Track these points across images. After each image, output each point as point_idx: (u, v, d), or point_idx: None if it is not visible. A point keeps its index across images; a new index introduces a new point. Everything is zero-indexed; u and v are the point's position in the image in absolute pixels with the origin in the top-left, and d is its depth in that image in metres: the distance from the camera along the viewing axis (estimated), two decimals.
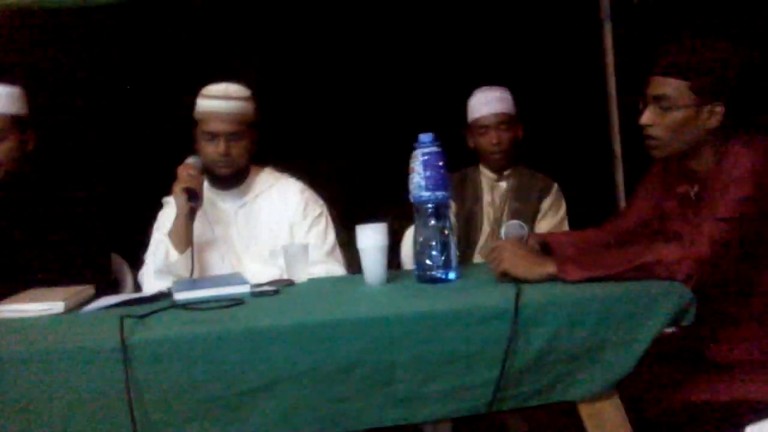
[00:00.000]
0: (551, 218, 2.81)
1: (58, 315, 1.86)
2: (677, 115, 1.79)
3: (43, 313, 1.86)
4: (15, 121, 2.33)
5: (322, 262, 2.39)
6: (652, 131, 1.84)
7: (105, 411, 1.46)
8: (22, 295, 1.98)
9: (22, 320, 1.83)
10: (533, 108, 3.08)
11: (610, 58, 3.56)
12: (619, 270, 1.67)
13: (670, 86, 1.79)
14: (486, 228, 2.83)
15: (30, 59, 3.56)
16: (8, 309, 1.88)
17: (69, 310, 1.89)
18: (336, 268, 2.42)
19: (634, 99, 1.91)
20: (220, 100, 2.35)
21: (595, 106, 3.64)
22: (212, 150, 2.35)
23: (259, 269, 2.36)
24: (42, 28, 3.60)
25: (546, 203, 2.83)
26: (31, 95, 2.44)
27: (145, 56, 3.74)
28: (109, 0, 3.27)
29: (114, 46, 3.71)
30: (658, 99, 1.81)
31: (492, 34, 3.84)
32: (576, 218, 2.84)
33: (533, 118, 2.99)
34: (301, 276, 2.14)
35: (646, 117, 1.84)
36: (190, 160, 2.34)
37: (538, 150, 3.10)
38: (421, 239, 1.92)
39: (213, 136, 2.34)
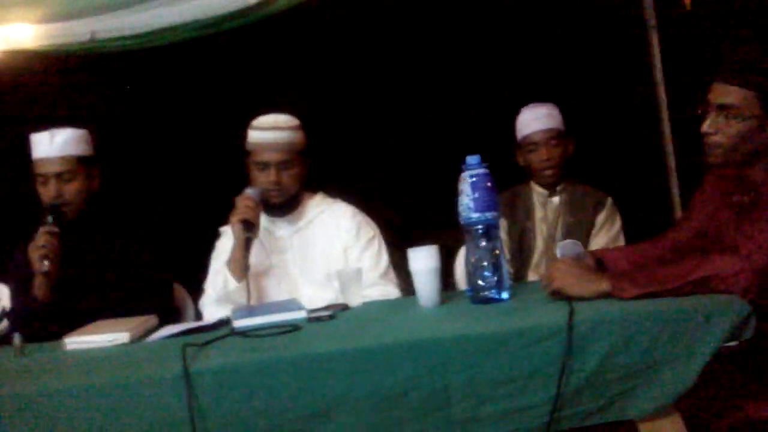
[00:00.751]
0: (606, 233, 2.78)
1: (123, 345, 1.93)
2: (742, 124, 1.75)
3: (110, 343, 1.93)
4: (82, 161, 2.44)
5: (376, 284, 2.41)
6: (715, 139, 1.80)
7: None
8: (89, 326, 2.06)
9: (89, 351, 1.91)
10: (584, 123, 3.06)
11: (658, 68, 3.51)
12: (674, 285, 1.65)
13: (736, 95, 1.75)
14: (539, 245, 2.82)
15: (92, 101, 3.72)
16: (76, 341, 1.96)
17: (134, 340, 1.96)
18: (390, 289, 2.44)
19: (687, 114, 1.88)
20: (269, 131, 2.41)
21: (646, 117, 3.59)
22: (264, 179, 2.41)
23: (315, 293, 2.39)
24: (102, 72, 3.76)
25: (600, 218, 2.80)
26: (95, 135, 2.55)
27: (201, 91, 3.86)
28: (166, 41, 3.39)
29: (171, 84, 3.85)
30: (722, 107, 1.78)
31: (539, 51, 3.84)
32: (631, 232, 2.81)
33: (584, 132, 2.97)
34: (355, 300, 2.17)
35: (709, 125, 1.80)
36: (249, 192, 2.38)
37: (591, 165, 3.08)
38: (472, 260, 1.93)
39: (264, 165, 2.41)
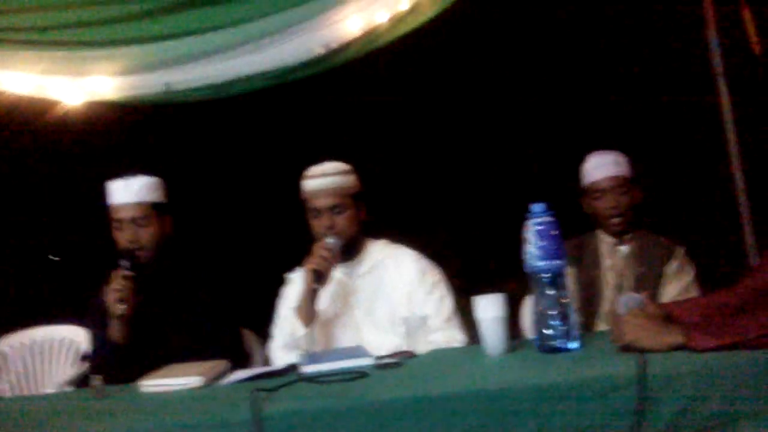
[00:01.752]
0: (677, 283, 2.71)
1: (196, 389, 1.97)
2: None
3: (183, 387, 1.98)
4: (156, 208, 2.53)
5: (441, 330, 2.41)
6: None
7: None
8: (163, 370, 2.12)
9: (164, 394, 1.96)
10: (654, 171, 3.03)
11: (727, 114, 3.46)
12: (751, 336, 1.60)
13: None
14: (608, 294, 2.77)
15: (165, 150, 3.87)
16: (152, 383, 2.01)
17: (206, 384, 2.00)
18: (455, 334, 2.44)
19: (758, 160, 1.85)
20: (318, 178, 2.48)
21: (717, 164, 3.53)
22: (318, 225, 2.46)
23: (379, 339, 2.41)
24: (174, 122, 3.92)
25: (671, 268, 2.73)
26: (167, 183, 2.65)
27: (270, 140, 3.98)
28: (237, 91, 3.51)
29: (243, 133, 3.98)
30: None
31: (607, 97, 3.83)
32: (705, 282, 2.73)
33: (655, 181, 2.94)
34: (421, 346, 2.17)
35: None
36: (328, 241, 2.42)
37: (662, 213, 3.03)
38: (539, 309, 1.92)
39: (317, 212, 2.46)
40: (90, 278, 2.63)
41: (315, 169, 2.51)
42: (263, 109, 3.85)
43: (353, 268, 2.55)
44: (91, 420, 1.77)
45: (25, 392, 3.08)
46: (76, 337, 3.08)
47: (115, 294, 2.33)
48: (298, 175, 2.56)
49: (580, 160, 2.89)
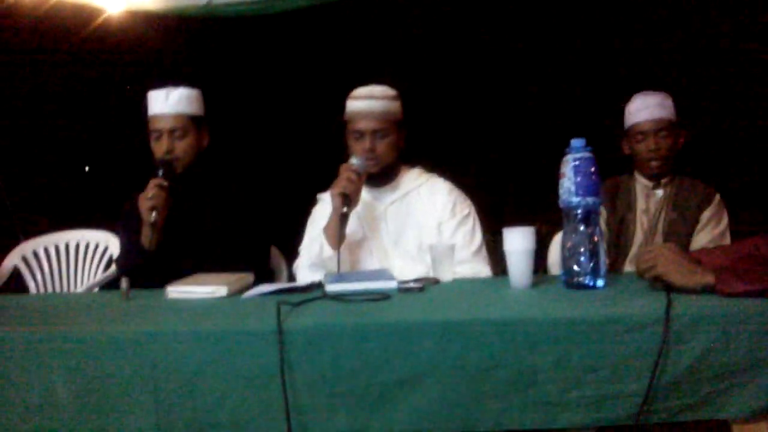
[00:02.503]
0: (711, 230, 2.67)
1: (221, 299, 2.01)
2: None
3: (208, 296, 2.01)
4: (194, 120, 2.53)
5: (468, 262, 2.41)
6: None
7: (260, 390, 1.56)
8: (190, 278, 2.15)
9: (189, 301, 1.99)
10: (698, 115, 2.94)
11: None
12: None
13: None
14: (639, 237, 2.74)
15: (205, 63, 3.85)
16: (178, 290, 2.05)
17: (231, 295, 2.03)
18: (482, 268, 2.44)
19: None
20: (364, 99, 2.45)
21: (764, 114, 3.42)
22: (359, 148, 2.44)
23: (406, 266, 2.42)
24: (215, 37, 3.88)
25: (706, 214, 2.69)
26: (206, 97, 2.64)
27: (310, 60, 3.93)
28: (279, 8, 3.45)
29: (281, 52, 3.93)
30: None
31: (656, 38, 3.70)
32: (740, 233, 2.68)
33: (698, 125, 2.86)
34: (446, 275, 2.17)
35: None
36: (354, 162, 2.40)
37: (702, 159, 2.95)
38: (569, 245, 1.90)
39: (359, 134, 2.44)
40: (124, 186, 2.66)
41: (362, 91, 2.48)
42: (307, 27, 3.80)
43: (386, 194, 2.54)
44: (118, 319, 1.82)
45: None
46: (106, 242, 3.14)
47: (149, 202, 2.35)
48: (337, 95, 2.52)
49: (622, 99, 2.82)
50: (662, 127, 2.70)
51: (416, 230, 2.49)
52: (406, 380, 1.55)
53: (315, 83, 3.87)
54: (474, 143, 3.83)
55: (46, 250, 3.23)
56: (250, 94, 3.94)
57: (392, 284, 2.02)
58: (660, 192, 2.76)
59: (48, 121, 4.41)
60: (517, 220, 2.08)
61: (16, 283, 3.14)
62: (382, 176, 2.50)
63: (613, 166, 2.72)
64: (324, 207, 2.54)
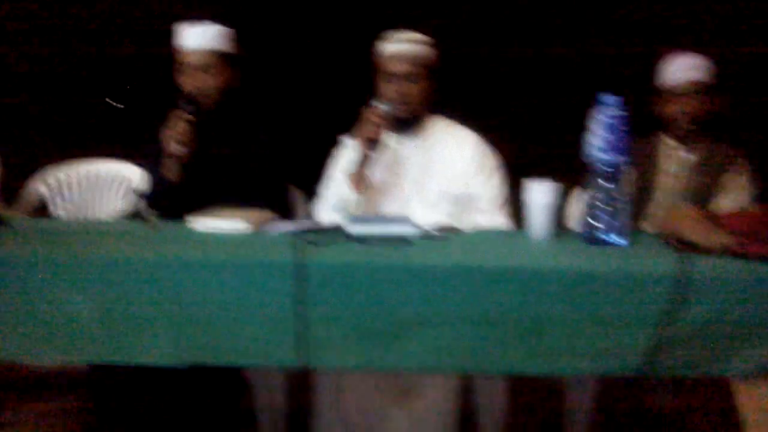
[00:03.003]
0: (735, 195, 2.64)
1: (242, 233, 2.03)
2: None
3: (230, 229, 2.04)
4: (223, 57, 2.52)
5: (490, 213, 2.42)
6: None
7: (276, 321, 1.60)
8: (211, 211, 2.17)
9: (211, 234, 2.02)
10: (734, 80, 2.88)
11: None
12: None
13: None
14: (660, 198, 2.71)
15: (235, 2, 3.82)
16: (200, 223, 2.07)
17: (252, 230, 2.05)
18: (503, 221, 2.44)
19: None
20: (399, 42, 2.43)
21: None
22: (390, 90, 2.42)
23: (426, 213, 2.41)
24: None
25: (732, 179, 2.66)
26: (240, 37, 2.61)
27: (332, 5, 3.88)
28: None
29: None
30: None
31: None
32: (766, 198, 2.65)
33: (733, 90, 2.79)
34: (467, 225, 2.18)
35: None
36: (379, 105, 2.38)
37: (735, 124, 2.90)
38: (592, 200, 1.90)
39: (392, 76, 2.42)
40: (150, 119, 2.67)
41: (397, 34, 2.46)
42: None
43: (412, 141, 2.53)
44: (143, 247, 1.85)
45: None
46: (131, 173, 3.17)
47: (175, 135, 2.36)
48: (362, 40, 2.49)
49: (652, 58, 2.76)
50: (698, 89, 2.65)
51: (439, 178, 2.49)
52: (418, 321, 1.58)
53: (341, 27, 3.83)
54: (498, 98, 3.79)
55: (72, 176, 3.26)
56: (278, 35, 3.92)
57: (413, 230, 2.03)
58: (688, 155, 2.72)
59: (75, 53, 4.41)
60: (540, 174, 2.07)
61: (38, 209, 3.18)
62: (409, 122, 2.49)
63: (638, 124, 2.68)
64: (347, 150, 2.54)
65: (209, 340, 1.62)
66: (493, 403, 2.14)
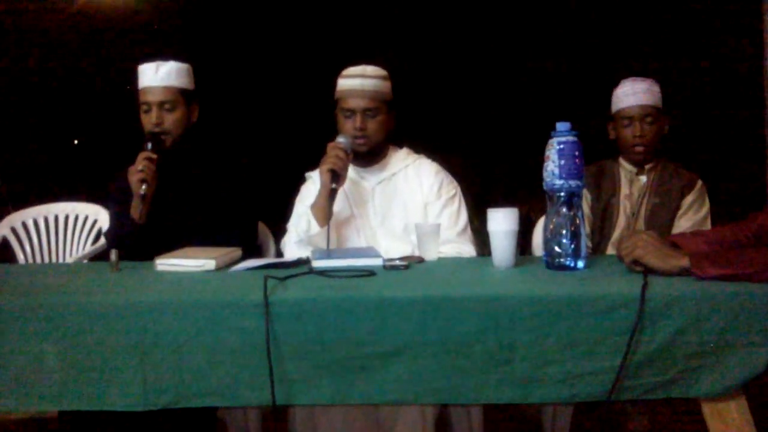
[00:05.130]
0: (692, 215, 2.72)
1: (209, 272, 2.04)
2: None
3: (197, 269, 2.04)
4: (183, 94, 2.55)
5: (453, 242, 2.45)
6: None
7: (246, 361, 1.61)
8: (178, 251, 2.18)
9: (177, 273, 2.03)
10: (682, 101, 2.97)
11: None
12: (754, 270, 1.62)
13: None
14: (621, 222, 2.78)
15: (195, 39, 3.85)
16: (166, 263, 2.08)
17: (219, 268, 2.06)
18: (466, 248, 2.48)
19: None
20: (356, 78, 2.47)
21: (749, 101, 3.45)
22: (350, 126, 2.46)
23: (392, 245, 2.45)
24: (205, 11, 3.88)
25: (688, 200, 2.73)
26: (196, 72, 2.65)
27: (299, 40, 3.93)
28: None
29: (270, 30, 3.93)
30: None
31: (640, 23, 3.72)
32: (721, 218, 2.73)
33: (682, 111, 2.89)
34: (431, 254, 2.21)
35: None
36: (341, 140, 2.43)
37: (685, 145, 2.99)
38: (551, 226, 1.94)
39: (350, 112, 2.46)
40: (113, 160, 2.68)
41: (354, 70, 2.51)
42: (298, 4, 3.80)
43: (373, 174, 2.57)
44: (107, 290, 1.85)
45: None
46: (95, 215, 3.16)
47: (138, 174, 2.37)
48: (326, 74, 2.53)
49: (611, 84, 2.85)
50: (648, 113, 2.73)
51: (403, 210, 2.52)
52: (388, 353, 1.59)
53: (304, 61, 3.88)
54: (462, 126, 3.86)
55: (35, 222, 3.25)
56: (240, 71, 3.96)
57: (378, 261, 2.06)
58: (643, 178, 2.80)
59: (38, 95, 4.40)
60: (507, 203, 2.11)
61: (3, 254, 3.15)
62: (371, 156, 2.53)
63: (598, 150, 2.76)
64: (312, 185, 2.57)
65: (178, 382, 1.61)
66: None
